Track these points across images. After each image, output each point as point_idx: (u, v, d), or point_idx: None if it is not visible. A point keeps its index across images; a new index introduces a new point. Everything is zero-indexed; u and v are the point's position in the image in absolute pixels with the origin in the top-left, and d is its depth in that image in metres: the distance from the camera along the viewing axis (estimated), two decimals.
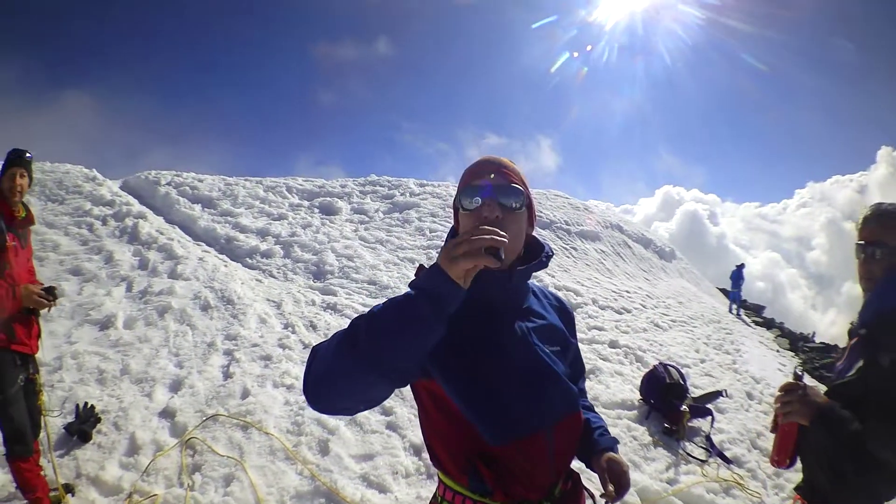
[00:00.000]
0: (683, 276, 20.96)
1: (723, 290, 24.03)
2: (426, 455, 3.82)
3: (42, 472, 3.80)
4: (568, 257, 13.68)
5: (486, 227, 1.26)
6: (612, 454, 1.67)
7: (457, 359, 1.48)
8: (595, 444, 1.76)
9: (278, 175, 15.11)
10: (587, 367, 5.95)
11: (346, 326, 1.34)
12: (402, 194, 14.57)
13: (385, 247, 11.32)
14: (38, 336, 3.80)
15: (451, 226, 1.79)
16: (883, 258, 2.14)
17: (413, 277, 1.36)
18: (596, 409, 2.00)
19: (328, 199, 13.68)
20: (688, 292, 17.60)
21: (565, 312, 1.84)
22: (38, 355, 3.89)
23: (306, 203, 13.49)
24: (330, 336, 1.39)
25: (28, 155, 3.69)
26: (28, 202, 3.86)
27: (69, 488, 4.13)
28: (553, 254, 1.72)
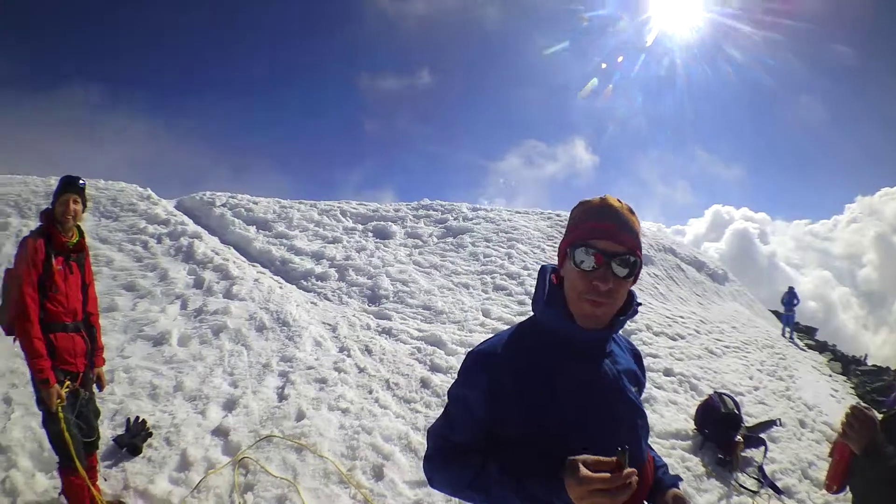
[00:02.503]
0: (737, 300, 20.42)
1: (775, 313, 23.39)
2: None
3: (97, 485, 3.92)
4: None
5: (628, 480, 1.33)
6: (676, 491, 1.70)
7: (555, 405, 1.56)
8: (660, 482, 1.79)
9: (329, 199, 15.32)
10: None
11: (471, 460, 1.60)
12: (455, 219, 14.53)
13: (439, 272, 11.28)
14: (87, 354, 3.92)
15: (548, 265, 1.82)
16: None
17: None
18: (651, 439, 2.00)
19: (382, 222, 13.75)
20: (741, 316, 17.20)
21: (636, 353, 1.90)
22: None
23: (360, 227, 13.58)
24: (447, 445, 1.70)
25: (81, 182, 3.84)
26: (82, 227, 4.02)
27: None
28: (640, 303, 1.78)
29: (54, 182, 12.19)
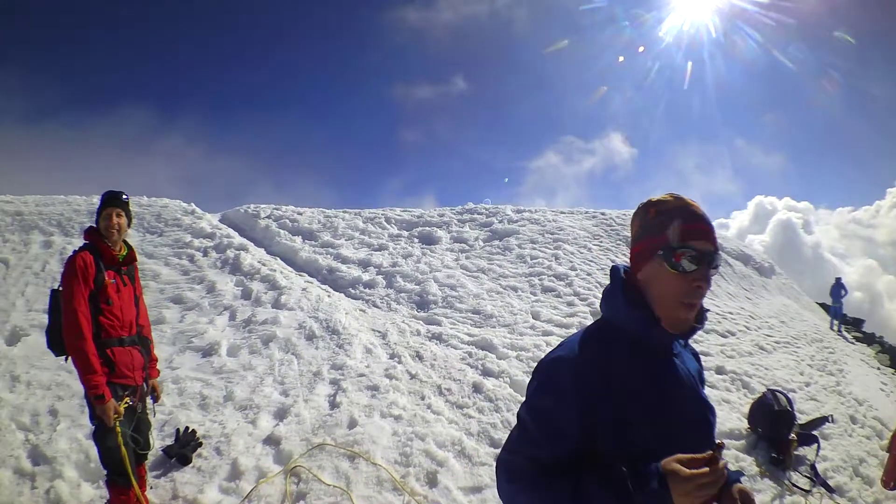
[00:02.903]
0: (784, 293, 19.75)
1: (822, 305, 22.61)
2: None
3: (146, 495, 3.88)
4: None
5: (719, 473, 1.38)
6: (741, 486, 1.65)
7: (643, 409, 1.54)
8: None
9: (371, 207, 15.38)
10: None
11: (562, 479, 1.50)
12: (500, 221, 14.36)
13: (487, 275, 11.14)
14: (146, 367, 3.90)
15: (620, 265, 1.79)
16: None
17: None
18: None
19: (427, 228, 13.70)
20: (790, 310, 16.67)
21: (694, 352, 1.91)
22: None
23: (405, 233, 13.55)
24: (525, 471, 1.58)
25: (124, 196, 3.83)
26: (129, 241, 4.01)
27: None
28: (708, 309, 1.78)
29: (97, 200, 12.60)
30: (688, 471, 1.37)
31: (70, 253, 3.79)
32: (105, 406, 3.41)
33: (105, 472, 3.64)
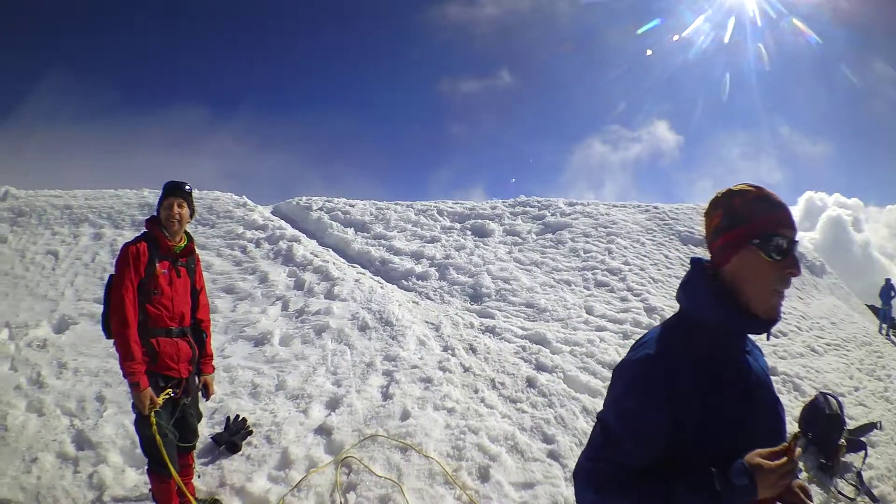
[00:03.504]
0: (833, 293, 18.89)
1: (871, 307, 21.49)
2: None
3: (192, 483, 3.95)
4: None
5: (795, 463, 1.44)
6: (799, 481, 1.65)
7: (729, 404, 1.55)
8: None
9: (416, 199, 15.30)
10: None
11: (650, 482, 1.49)
12: (552, 214, 14.08)
13: (540, 269, 10.91)
14: (192, 360, 3.85)
15: (700, 258, 1.79)
16: None
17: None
18: None
19: (479, 220, 13.54)
20: (840, 311, 15.89)
21: (758, 347, 1.87)
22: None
23: (458, 225, 13.43)
24: (601, 475, 1.56)
25: (187, 187, 3.79)
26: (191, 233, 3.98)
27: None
28: None
29: (147, 194, 12.97)
30: (772, 463, 1.41)
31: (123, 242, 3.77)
32: (140, 394, 3.40)
33: (146, 459, 3.64)
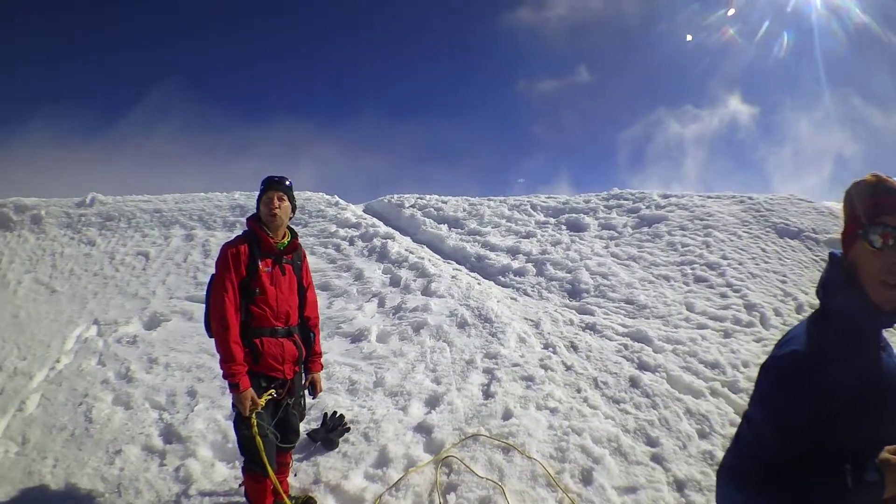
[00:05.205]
0: None
1: None
2: (689, 492, 4.29)
3: (286, 481, 3.97)
4: (819, 271, 11.68)
5: None
6: None
7: (874, 401, 1.54)
8: None
9: (501, 195, 15.11)
10: None
11: (789, 481, 1.52)
12: (647, 207, 13.56)
13: (638, 263, 10.48)
14: (298, 359, 3.83)
15: (836, 251, 1.74)
16: None
17: None
18: None
19: (574, 215, 13.21)
20: None
21: (890, 344, 1.83)
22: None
23: (552, 220, 13.16)
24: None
25: (287, 181, 3.77)
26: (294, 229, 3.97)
27: (310, 502, 4.14)
28: None
29: (238, 196, 13.37)
30: None
31: (222, 242, 3.82)
32: (241, 395, 3.38)
33: (243, 458, 3.63)
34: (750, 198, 14.22)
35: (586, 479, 4.47)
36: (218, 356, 3.45)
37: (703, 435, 5.03)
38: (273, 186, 3.69)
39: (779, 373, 1.60)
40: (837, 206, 15.16)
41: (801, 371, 1.54)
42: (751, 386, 5.98)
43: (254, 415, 3.42)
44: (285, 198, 3.71)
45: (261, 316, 3.58)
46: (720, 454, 4.67)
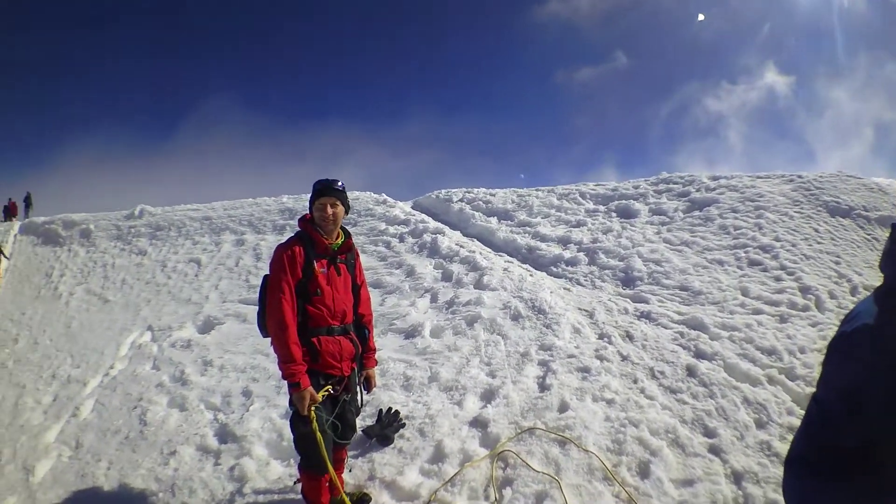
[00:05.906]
0: None
1: None
2: (747, 485, 4.20)
3: (342, 477, 4.02)
4: (872, 250, 11.22)
5: None
6: None
7: None
8: None
9: (546, 185, 15.05)
10: None
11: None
12: (697, 190, 13.23)
13: (691, 248, 10.24)
14: (355, 356, 3.88)
15: (894, 224, 1.57)
16: None
17: None
18: None
19: (623, 201, 13.03)
20: None
21: None
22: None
23: (602, 207, 13.02)
24: None
25: (339, 185, 3.79)
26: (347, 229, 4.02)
27: (365, 499, 4.18)
28: None
29: (286, 200, 13.62)
30: None
31: (280, 241, 3.84)
32: (300, 394, 3.42)
33: (299, 455, 3.70)
34: (799, 176, 13.81)
35: (643, 472, 4.41)
36: (274, 356, 3.52)
37: (760, 425, 4.90)
38: (326, 192, 3.71)
39: (851, 346, 1.52)
40: (886, 182, 14.54)
41: (875, 343, 1.46)
42: (808, 373, 5.78)
43: (313, 409, 3.48)
44: (338, 202, 3.74)
45: (318, 315, 3.64)
46: (777, 444, 4.59)
